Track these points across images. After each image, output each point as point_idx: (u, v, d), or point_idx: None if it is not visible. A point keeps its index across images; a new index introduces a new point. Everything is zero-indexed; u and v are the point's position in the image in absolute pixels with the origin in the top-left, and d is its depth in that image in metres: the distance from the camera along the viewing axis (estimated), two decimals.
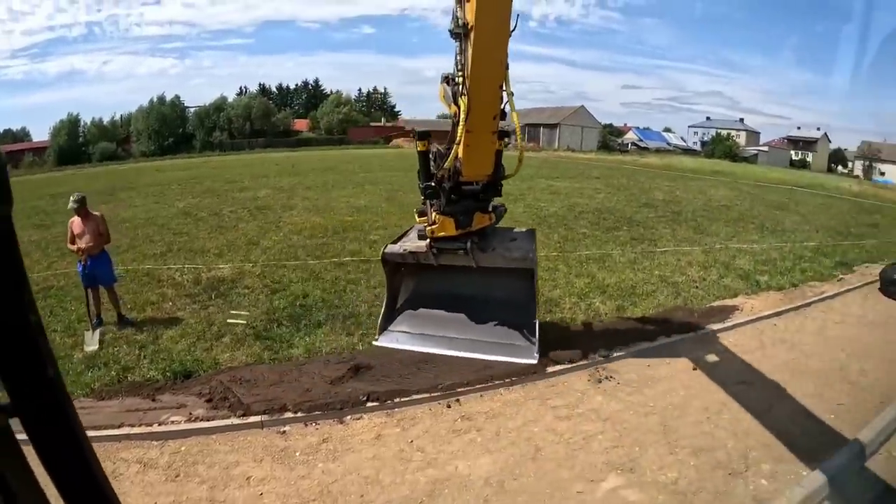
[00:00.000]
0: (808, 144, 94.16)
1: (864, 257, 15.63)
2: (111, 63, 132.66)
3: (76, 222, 8.56)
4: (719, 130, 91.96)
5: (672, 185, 31.53)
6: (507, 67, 6.26)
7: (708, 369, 7.76)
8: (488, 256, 7.16)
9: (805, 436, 6.17)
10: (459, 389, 6.99)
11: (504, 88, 6.38)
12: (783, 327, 9.58)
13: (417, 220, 7.28)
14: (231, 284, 11.03)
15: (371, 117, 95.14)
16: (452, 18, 6.14)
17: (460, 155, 6.37)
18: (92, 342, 8.17)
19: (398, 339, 7.35)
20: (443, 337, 7.30)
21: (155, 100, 75.87)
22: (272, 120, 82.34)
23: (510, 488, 5.26)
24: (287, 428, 6.25)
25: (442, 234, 6.87)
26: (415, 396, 6.81)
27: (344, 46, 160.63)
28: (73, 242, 8.59)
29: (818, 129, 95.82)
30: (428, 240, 6.94)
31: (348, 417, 6.42)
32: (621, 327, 9.10)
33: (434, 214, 6.86)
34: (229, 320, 9.17)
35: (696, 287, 11.28)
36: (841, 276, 13.20)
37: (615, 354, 8.00)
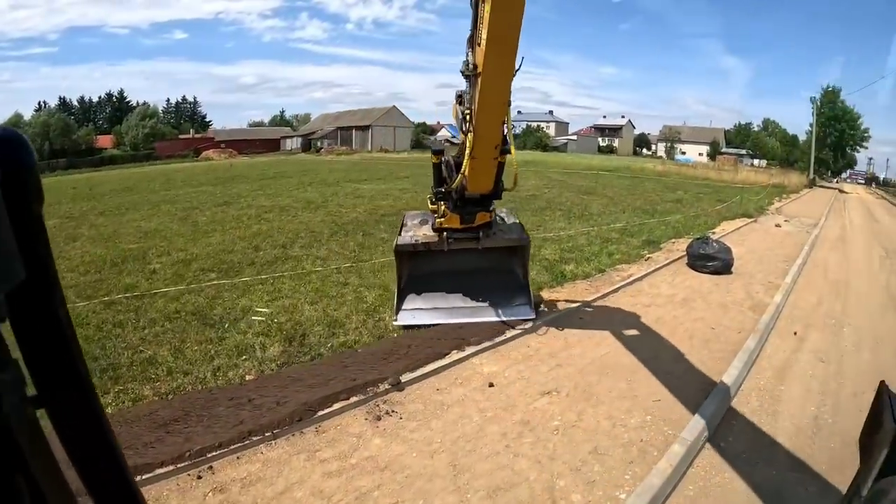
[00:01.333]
0: (613, 131, 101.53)
1: (670, 234, 15.86)
2: None
3: None
4: (529, 123, 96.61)
5: None
6: (509, 105, 6.85)
7: (506, 384, 6.66)
8: (491, 239, 8.53)
9: (622, 446, 5.37)
10: (211, 454, 5.35)
11: (505, 122, 7.11)
12: (590, 320, 8.89)
13: (430, 206, 8.45)
14: None
15: (181, 129, 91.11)
16: (464, 61, 6.69)
17: (466, 175, 7.32)
18: None
19: (414, 315, 8.34)
20: (451, 308, 8.46)
21: None
22: (73, 138, 76.95)
23: None
24: None
25: (448, 226, 8.19)
26: (159, 471, 5.15)
27: (155, 53, 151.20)
28: None
29: (622, 116, 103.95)
30: (444, 232, 8.26)
31: None
32: (411, 345, 7.82)
33: (444, 209, 8.11)
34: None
35: None
36: (648, 255, 13.10)
37: (401, 379, 6.66)
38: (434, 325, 8.15)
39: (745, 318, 9.25)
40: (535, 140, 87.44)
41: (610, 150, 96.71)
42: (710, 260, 12.19)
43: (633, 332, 8.44)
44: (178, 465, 5.20)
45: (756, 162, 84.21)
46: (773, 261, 14.10)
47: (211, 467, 5.24)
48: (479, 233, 8.30)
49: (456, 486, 4.83)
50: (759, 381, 7.03)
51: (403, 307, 8.38)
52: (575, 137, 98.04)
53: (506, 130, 7.18)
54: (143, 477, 4.99)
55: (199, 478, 5.11)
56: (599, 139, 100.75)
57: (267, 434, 5.67)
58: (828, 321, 9.68)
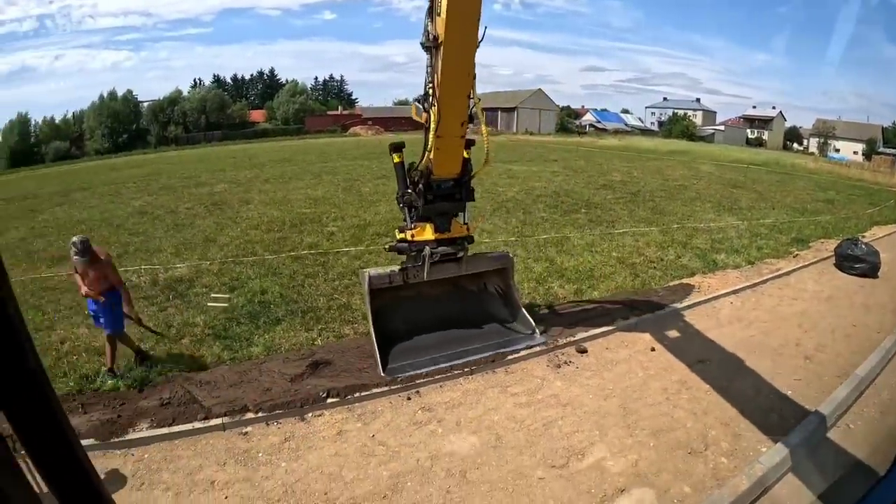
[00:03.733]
0: (763, 123, 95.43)
1: (819, 233, 15.82)
2: (63, 58, 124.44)
3: (79, 262, 7.11)
4: (676, 111, 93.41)
5: (629, 165, 31.77)
6: (474, 77, 6.42)
7: (666, 349, 7.75)
8: (473, 262, 7.94)
9: (763, 412, 6.20)
10: (419, 381, 6.89)
11: (471, 96, 6.57)
12: (740, 305, 9.64)
13: (398, 235, 7.67)
14: (189, 284, 10.62)
15: (328, 106, 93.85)
16: (423, 32, 6.37)
17: (432, 158, 6.80)
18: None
19: (407, 369, 7.21)
20: (450, 353, 7.46)
21: (105, 95, 73.31)
22: (228, 112, 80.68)
23: (472, 478, 5.22)
24: (249, 429, 6.09)
25: (422, 238, 7.43)
26: (375, 390, 6.69)
27: (304, 34, 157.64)
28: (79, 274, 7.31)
29: (773, 107, 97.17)
30: (425, 248, 7.37)
31: (309, 415, 6.27)
32: (580, 310, 9.03)
33: (413, 223, 7.49)
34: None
35: (654, 268, 11.30)
36: (796, 252, 13.32)
37: (574, 338, 7.92)
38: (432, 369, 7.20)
39: (886, 320, 9.35)
40: (681, 129, 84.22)
41: (759, 142, 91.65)
42: (857, 262, 12.00)
43: (779, 321, 9.04)
44: (391, 387, 6.77)
45: None
46: None
47: (418, 392, 6.80)
48: (462, 244, 7.60)
49: (625, 423, 6.03)
50: (892, 378, 7.39)
51: (390, 364, 7.25)
52: (722, 128, 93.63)
53: (472, 105, 6.67)
54: (361, 394, 6.64)
55: (409, 399, 6.66)
56: (748, 131, 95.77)
57: (466, 370, 7.10)
58: None
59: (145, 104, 76.43)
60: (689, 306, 9.31)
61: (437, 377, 7.01)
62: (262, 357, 7.65)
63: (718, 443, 5.64)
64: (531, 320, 7.96)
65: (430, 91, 6.47)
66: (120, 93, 74.44)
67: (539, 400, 6.53)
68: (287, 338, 8.16)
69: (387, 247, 7.89)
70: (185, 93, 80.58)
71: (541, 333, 7.86)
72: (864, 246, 12.33)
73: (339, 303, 9.25)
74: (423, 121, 6.99)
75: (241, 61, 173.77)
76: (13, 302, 0.86)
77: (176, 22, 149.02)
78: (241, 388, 6.77)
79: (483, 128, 7.02)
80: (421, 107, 7.05)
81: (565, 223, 15.40)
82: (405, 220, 7.62)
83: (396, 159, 7.66)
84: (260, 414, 6.25)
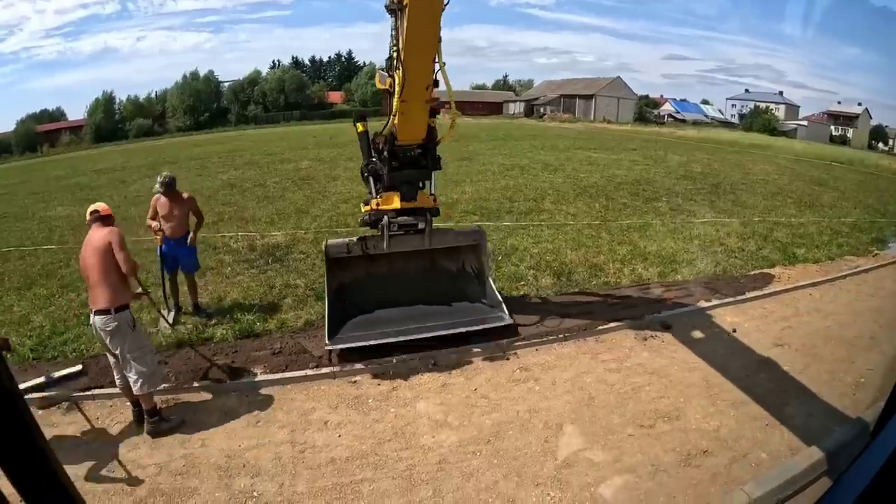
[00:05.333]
0: (848, 120, 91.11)
1: None
2: (145, 39, 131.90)
3: (162, 202, 8.00)
4: (758, 103, 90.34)
5: (710, 157, 31.42)
6: (440, 40, 6.23)
7: (746, 332, 8.21)
8: (440, 237, 7.92)
9: (834, 396, 6.54)
10: (517, 344, 7.58)
11: (437, 60, 6.42)
12: (818, 297, 9.90)
13: (363, 209, 7.72)
14: (286, 250, 11.56)
15: None
16: None
17: (396, 123, 6.80)
18: (166, 323, 8.02)
19: (354, 340, 7.17)
20: (408, 328, 7.40)
21: (188, 75, 76.55)
22: (306, 93, 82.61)
23: (567, 430, 5.81)
24: (358, 378, 6.80)
25: (387, 207, 7.39)
26: (475, 349, 7.40)
27: (383, 16, 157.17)
28: (153, 219, 8.10)
29: (859, 104, 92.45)
30: (385, 218, 7.34)
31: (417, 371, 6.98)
32: (663, 290, 9.63)
33: (379, 191, 7.52)
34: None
35: (735, 257, 11.63)
36: (876, 251, 13.43)
37: (660, 315, 8.55)
38: (379, 344, 7.11)
39: None
40: (762, 122, 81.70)
41: (842, 140, 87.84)
42: None
43: (855, 314, 9.27)
44: (493, 348, 7.51)
45: None
46: None
47: (516, 353, 7.50)
48: (425, 215, 7.44)
49: (708, 394, 6.58)
50: None
51: (340, 333, 7.24)
52: (805, 123, 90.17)
53: (437, 69, 6.47)
54: (460, 347, 7.37)
55: (507, 359, 7.37)
56: (832, 127, 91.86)
57: (560, 336, 7.81)
58: None
59: (226, 84, 79.29)
60: (769, 294, 9.69)
61: (532, 341, 7.64)
62: None
63: (794, 418, 6.00)
64: (500, 300, 7.88)
65: (395, 54, 6.37)
66: (202, 73, 77.49)
67: (627, 367, 7.15)
68: None
69: (359, 220, 7.94)
70: (263, 73, 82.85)
71: (507, 315, 7.70)
72: None
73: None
74: (387, 87, 7.03)
75: (319, 43, 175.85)
76: None
77: (255, 4, 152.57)
78: None
79: (450, 95, 6.73)
80: (385, 73, 7.20)
81: (647, 210, 15.79)
82: (370, 192, 7.66)
83: (360, 128, 7.71)
84: (368, 366, 6.92)
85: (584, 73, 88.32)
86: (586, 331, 7.98)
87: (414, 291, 7.96)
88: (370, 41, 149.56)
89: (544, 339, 7.75)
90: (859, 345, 8.06)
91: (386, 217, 7.34)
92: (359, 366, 6.91)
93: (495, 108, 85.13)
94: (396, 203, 7.38)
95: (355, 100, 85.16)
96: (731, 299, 9.30)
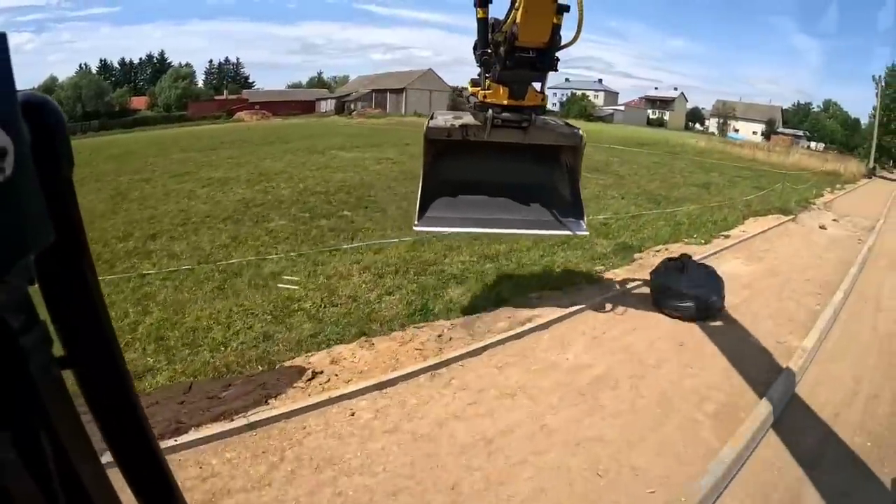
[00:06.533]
0: (665, 104, 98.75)
1: (664, 235, 13.67)
2: None
3: None
4: (575, 91, 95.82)
5: None
6: None
7: None
8: (540, 133, 7.26)
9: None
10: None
11: None
12: None
13: (470, 89, 7.49)
14: None
15: (228, 89, 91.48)
16: None
17: (518, 20, 6.01)
18: None
19: (439, 223, 7.48)
20: (486, 217, 7.46)
21: None
22: (105, 100, 77.74)
23: None
24: None
25: (493, 101, 6.86)
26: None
27: (217, 14, 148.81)
28: None
29: (675, 88, 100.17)
30: (489, 110, 6.81)
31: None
32: None
33: (488, 82, 6.88)
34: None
35: None
36: (601, 272, 10.57)
37: None
38: (461, 231, 7.80)
39: (698, 441, 5.41)
40: (578, 109, 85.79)
41: (660, 123, 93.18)
42: (680, 299, 8.25)
43: None
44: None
45: (813, 145, 78.38)
46: (799, 292, 10.01)
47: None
48: (529, 114, 6.92)
49: None
50: None
51: (427, 213, 7.30)
52: (622, 108, 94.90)
53: None
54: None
55: None
56: (649, 111, 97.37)
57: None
58: (858, 438, 5.53)
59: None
60: None
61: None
62: None
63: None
64: (583, 210, 7.64)
65: None
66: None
67: None
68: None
69: (458, 87, 7.21)
70: (60, 80, 77.82)
71: (585, 226, 7.63)
72: (695, 271, 8.41)
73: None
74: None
75: (151, 42, 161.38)
76: (93, 271, 0.87)
77: (81, 0, 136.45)
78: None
79: None
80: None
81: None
82: (480, 74, 7.07)
83: (480, 14, 6.85)
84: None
85: (419, 67, 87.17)
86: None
87: (503, 183, 7.68)
88: (206, 39, 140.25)
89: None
90: None
91: (491, 111, 6.83)
92: None
93: (308, 107, 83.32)
94: (503, 98, 6.86)
95: (159, 105, 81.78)
96: None
